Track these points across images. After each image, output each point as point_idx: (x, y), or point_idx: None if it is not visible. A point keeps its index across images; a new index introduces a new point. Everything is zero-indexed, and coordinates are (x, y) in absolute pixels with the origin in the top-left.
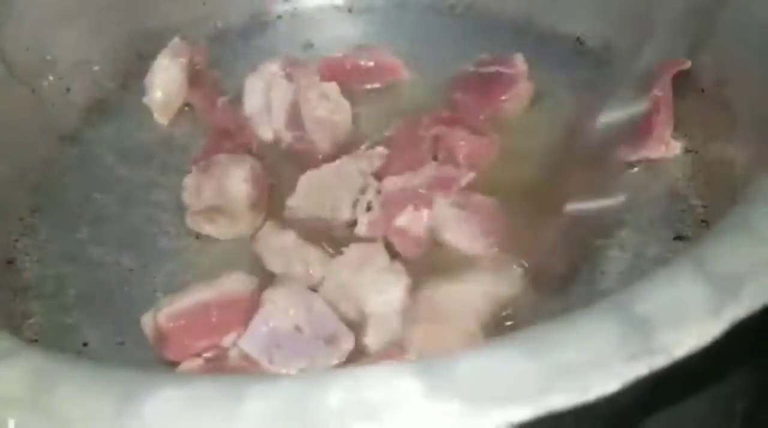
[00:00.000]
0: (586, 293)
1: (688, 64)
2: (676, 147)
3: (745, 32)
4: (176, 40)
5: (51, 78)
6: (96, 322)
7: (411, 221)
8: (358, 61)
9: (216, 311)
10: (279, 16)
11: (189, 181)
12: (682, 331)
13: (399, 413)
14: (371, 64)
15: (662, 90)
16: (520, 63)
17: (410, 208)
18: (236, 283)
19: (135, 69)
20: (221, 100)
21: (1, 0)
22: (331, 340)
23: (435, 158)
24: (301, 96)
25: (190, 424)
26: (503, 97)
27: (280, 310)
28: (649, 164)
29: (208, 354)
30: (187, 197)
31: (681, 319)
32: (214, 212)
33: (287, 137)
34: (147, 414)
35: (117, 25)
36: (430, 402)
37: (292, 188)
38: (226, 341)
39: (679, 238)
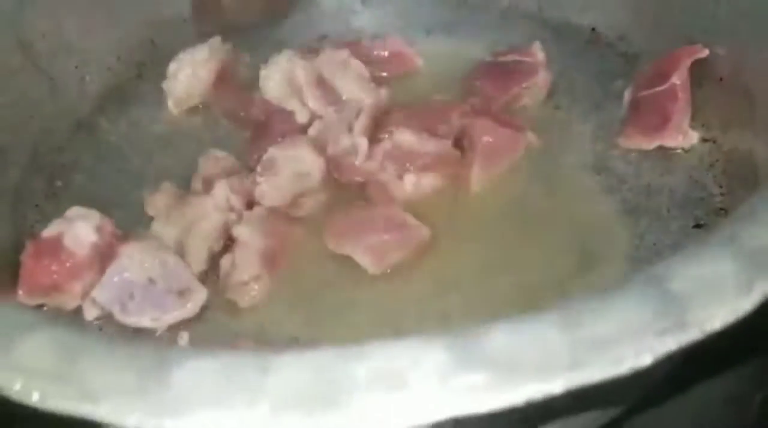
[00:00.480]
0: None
1: (705, 53)
2: (693, 136)
3: (763, 19)
4: (217, 39)
5: (67, 65)
6: None
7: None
8: (371, 51)
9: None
10: (292, 8)
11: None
12: (715, 306)
13: (427, 384)
14: (385, 53)
15: (680, 78)
16: (538, 52)
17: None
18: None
19: (150, 57)
20: (257, 97)
21: None
22: (183, 293)
23: (458, 146)
24: (326, 69)
25: (217, 395)
26: (524, 85)
27: (135, 263)
28: (667, 152)
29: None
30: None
31: (713, 294)
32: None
33: (326, 111)
34: (173, 384)
35: (133, 13)
36: (458, 373)
37: None
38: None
39: (698, 226)
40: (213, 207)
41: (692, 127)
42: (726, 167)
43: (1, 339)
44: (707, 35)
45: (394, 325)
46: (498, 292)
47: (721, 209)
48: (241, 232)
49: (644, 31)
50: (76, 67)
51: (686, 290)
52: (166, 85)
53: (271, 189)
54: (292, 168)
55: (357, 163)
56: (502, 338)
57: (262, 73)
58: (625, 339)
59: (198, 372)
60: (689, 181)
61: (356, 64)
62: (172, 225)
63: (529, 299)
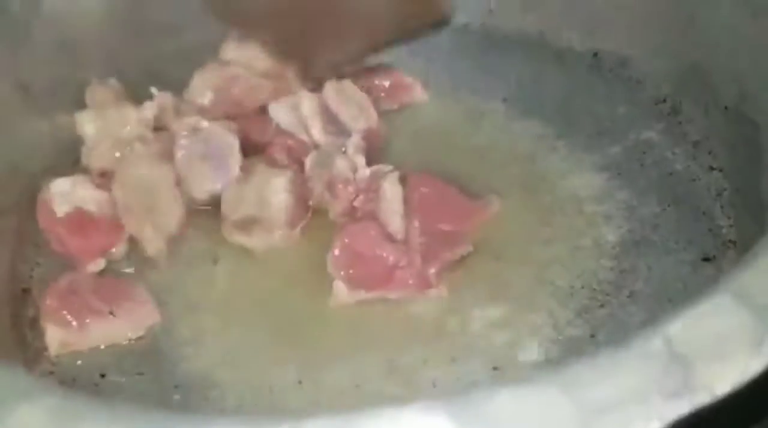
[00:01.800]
0: (614, 317)
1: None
2: None
3: (764, 50)
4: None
5: (64, 104)
6: (113, 352)
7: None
8: (373, 81)
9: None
10: None
11: (228, 193)
12: (724, 366)
13: None
14: (387, 83)
15: None
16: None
17: None
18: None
19: (147, 92)
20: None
21: (15, 27)
22: None
23: None
24: (331, 101)
25: None
26: None
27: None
28: (674, 181)
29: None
30: (226, 209)
31: (722, 353)
32: (250, 223)
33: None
34: None
35: (128, 48)
36: None
37: None
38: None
39: (706, 259)
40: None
41: (698, 156)
42: (733, 198)
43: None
44: (710, 63)
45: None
46: (504, 335)
47: (730, 241)
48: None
49: (647, 57)
50: (76, 104)
51: (693, 348)
52: (187, 95)
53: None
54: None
55: (357, 176)
56: (506, 403)
57: (272, 105)
58: (632, 402)
59: None
60: (696, 211)
61: (359, 96)
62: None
63: (534, 339)
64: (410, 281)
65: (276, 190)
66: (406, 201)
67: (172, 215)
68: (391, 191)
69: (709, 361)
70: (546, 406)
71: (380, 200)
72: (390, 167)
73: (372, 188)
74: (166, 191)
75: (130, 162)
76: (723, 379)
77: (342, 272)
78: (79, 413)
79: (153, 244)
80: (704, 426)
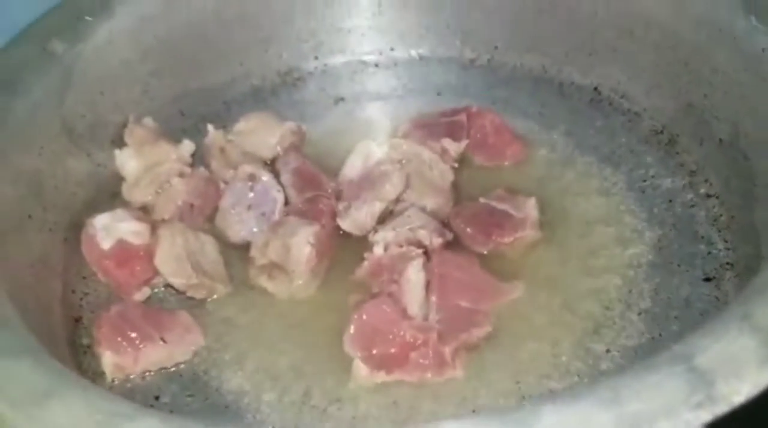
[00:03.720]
0: (624, 334)
1: None
2: None
3: (757, 91)
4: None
5: (104, 142)
6: (162, 375)
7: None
8: None
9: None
10: (310, 73)
11: (258, 239)
12: (739, 380)
13: None
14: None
15: None
16: (531, 208)
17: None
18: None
19: (180, 128)
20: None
21: (62, 71)
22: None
23: None
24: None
25: None
26: (506, 240)
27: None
28: (673, 207)
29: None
30: (254, 253)
31: (737, 370)
32: (275, 269)
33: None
34: None
35: (163, 88)
36: None
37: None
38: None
39: (707, 279)
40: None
41: (695, 183)
42: (729, 222)
43: None
44: (705, 99)
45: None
46: (521, 356)
47: (728, 263)
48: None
49: (644, 92)
50: (112, 141)
51: (712, 366)
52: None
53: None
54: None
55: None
56: (551, 417)
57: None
58: (663, 414)
59: None
60: (695, 235)
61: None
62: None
63: (553, 362)
64: (426, 362)
65: (300, 242)
66: (427, 277)
67: (218, 263)
68: (416, 276)
69: (728, 377)
70: (587, 420)
71: (402, 283)
72: (417, 251)
73: (396, 269)
74: (211, 248)
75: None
76: (739, 392)
77: (359, 353)
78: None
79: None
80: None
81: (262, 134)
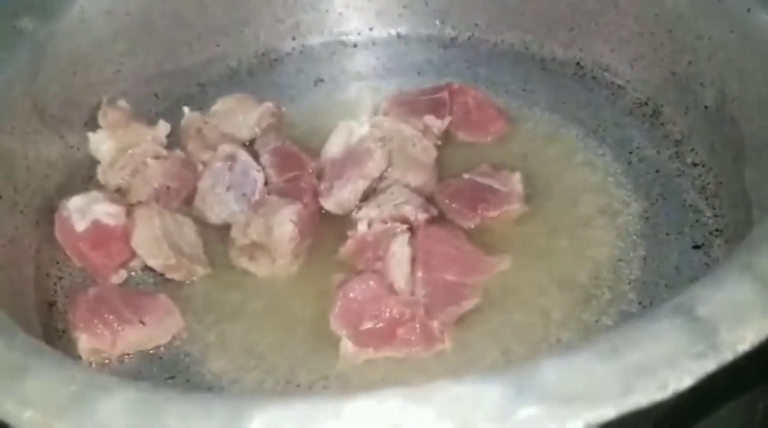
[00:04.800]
0: (615, 303)
1: None
2: None
3: (745, 49)
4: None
5: (76, 123)
6: (141, 358)
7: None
8: None
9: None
10: (288, 54)
11: (238, 219)
12: (743, 328)
13: (490, 418)
14: None
15: None
16: (516, 182)
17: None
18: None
19: (154, 110)
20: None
21: (33, 49)
22: None
23: None
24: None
25: None
26: (492, 214)
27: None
28: (660, 178)
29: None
30: (234, 232)
31: (740, 318)
32: (256, 249)
33: None
34: None
35: (137, 69)
36: (517, 409)
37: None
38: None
39: (696, 247)
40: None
41: (681, 153)
42: (717, 190)
43: (84, 401)
44: (690, 66)
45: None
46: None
47: (717, 230)
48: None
49: (627, 65)
50: (85, 123)
51: (715, 315)
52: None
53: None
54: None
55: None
56: (553, 372)
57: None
58: (666, 364)
59: (276, 420)
60: (683, 204)
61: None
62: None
63: (543, 334)
64: (414, 337)
65: (283, 221)
66: (412, 253)
67: (197, 245)
68: (401, 251)
69: (731, 326)
70: (589, 372)
71: (388, 259)
72: (402, 227)
73: (381, 246)
74: (189, 230)
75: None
76: (743, 340)
77: (345, 331)
78: (158, 405)
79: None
80: (728, 378)
81: (239, 114)
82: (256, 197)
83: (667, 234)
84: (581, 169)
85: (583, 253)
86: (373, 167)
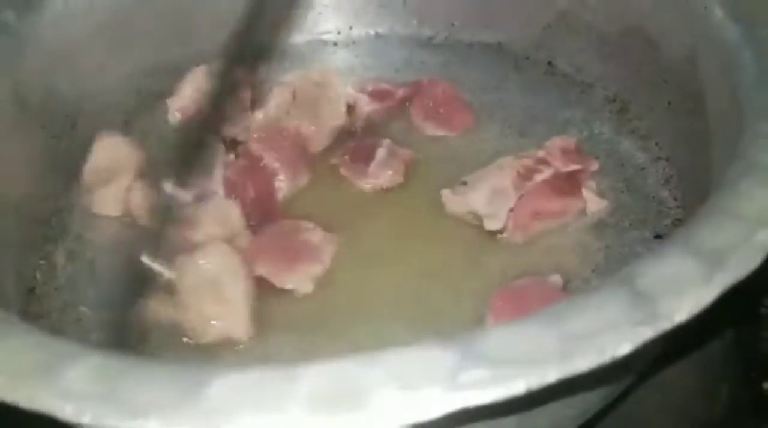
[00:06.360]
0: (580, 288)
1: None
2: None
3: (703, 49)
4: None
5: (58, 115)
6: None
7: None
8: None
9: None
10: (268, 52)
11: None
12: (681, 298)
13: (437, 382)
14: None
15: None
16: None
17: None
18: None
19: (136, 106)
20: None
21: (13, 41)
22: None
23: None
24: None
25: (251, 404)
26: None
27: None
28: (627, 171)
29: None
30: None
31: (679, 289)
32: None
33: None
34: (212, 396)
35: (118, 64)
36: (464, 372)
37: None
38: None
39: (658, 237)
40: None
41: (647, 147)
42: (680, 182)
43: (48, 367)
44: (653, 64)
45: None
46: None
47: (678, 219)
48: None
49: (597, 61)
50: (67, 116)
51: (655, 287)
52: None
53: None
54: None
55: None
56: (499, 338)
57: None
58: (605, 331)
59: (233, 385)
60: (647, 197)
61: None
62: None
63: None
64: None
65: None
66: None
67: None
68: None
69: (668, 296)
70: (532, 338)
71: None
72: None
73: None
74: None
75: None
76: (681, 310)
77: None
78: (126, 368)
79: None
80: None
81: None
82: None
83: (630, 225)
84: None
85: (546, 242)
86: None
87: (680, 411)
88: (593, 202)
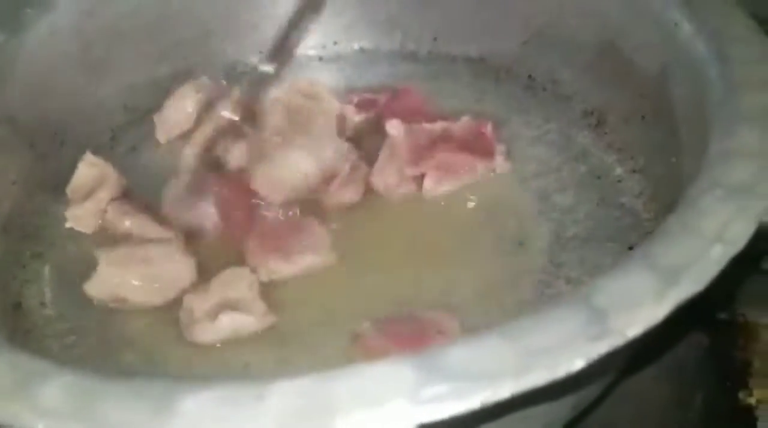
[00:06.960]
0: (554, 299)
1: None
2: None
3: (675, 63)
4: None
5: (46, 132)
6: None
7: None
8: None
9: None
10: (254, 67)
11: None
12: (635, 314)
13: (398, 397)
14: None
15: None
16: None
17: None
18: None
19: (124, 121)
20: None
21: (4, 64)
22: None
23: None
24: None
25: (221, 420)
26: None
27: None
28: (602, 183)
29: None
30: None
31: (633, 304)
32: None
33: None
34: (183, 412)
35: (106, 81)
36: (424, 388)
37: None
38: None
39: (631, 248)
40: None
41: (622, 160)
42: (653, 194)
43: (22, 385)
44: (629, 77)
45: None
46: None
47: (650, 232)
48: None
49: (575, 75)
50: (56, 133)
51: (608, 303)
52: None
53: None
54: None
55: None
56: (460, 354)
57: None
58: (560, 347)
59: (203, 403)
60: (622, 209)
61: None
62: None
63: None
64: None
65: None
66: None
67: None
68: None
69: (621, 312)
70: (492, 353)
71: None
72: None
73: None
74: None
75: None
76: (634, 325)
77: None
78: (98, 387)
79: None
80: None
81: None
82: None
83: (605, 237)
84: (530, 174)
85: (522, 254)
86: None
87: (655, 420)
88: (501, 164)
